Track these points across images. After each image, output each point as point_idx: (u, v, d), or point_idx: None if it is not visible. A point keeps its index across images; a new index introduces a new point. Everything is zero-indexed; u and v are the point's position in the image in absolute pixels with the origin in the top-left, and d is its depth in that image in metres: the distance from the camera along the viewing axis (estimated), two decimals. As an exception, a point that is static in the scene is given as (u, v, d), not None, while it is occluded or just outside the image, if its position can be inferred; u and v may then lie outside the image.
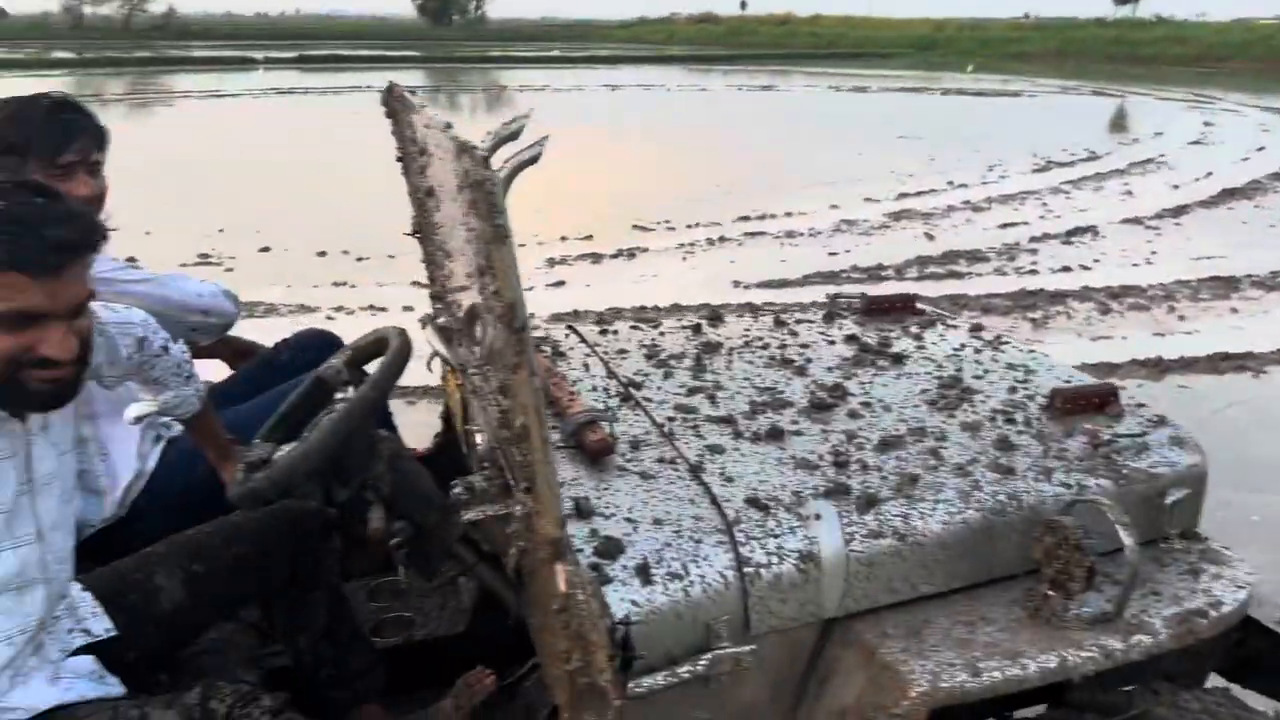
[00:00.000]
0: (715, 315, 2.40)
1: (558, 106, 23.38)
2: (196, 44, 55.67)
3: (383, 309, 6.34)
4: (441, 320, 2.23)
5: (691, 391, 1.90)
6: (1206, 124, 18.10)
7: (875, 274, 7.44)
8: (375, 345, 1.70)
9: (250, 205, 9.87)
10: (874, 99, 25.92)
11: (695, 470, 1.57)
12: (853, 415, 1.78)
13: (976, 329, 2.28)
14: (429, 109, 1.75)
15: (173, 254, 7.71)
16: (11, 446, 1.41)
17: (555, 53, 51.62)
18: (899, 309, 2.41)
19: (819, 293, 6.96)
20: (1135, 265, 7.63)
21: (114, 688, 1.52)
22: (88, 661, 1.53)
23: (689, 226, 9.13)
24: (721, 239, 8.69)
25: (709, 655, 1.33)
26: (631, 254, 8.16)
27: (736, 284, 7.21)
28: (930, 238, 8.61)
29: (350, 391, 1.66)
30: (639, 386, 1.93)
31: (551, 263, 7.81)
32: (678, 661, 1.32)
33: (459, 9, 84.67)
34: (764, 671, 1.41)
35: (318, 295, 6.75)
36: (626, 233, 8.86)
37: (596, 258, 8.02)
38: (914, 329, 2.29)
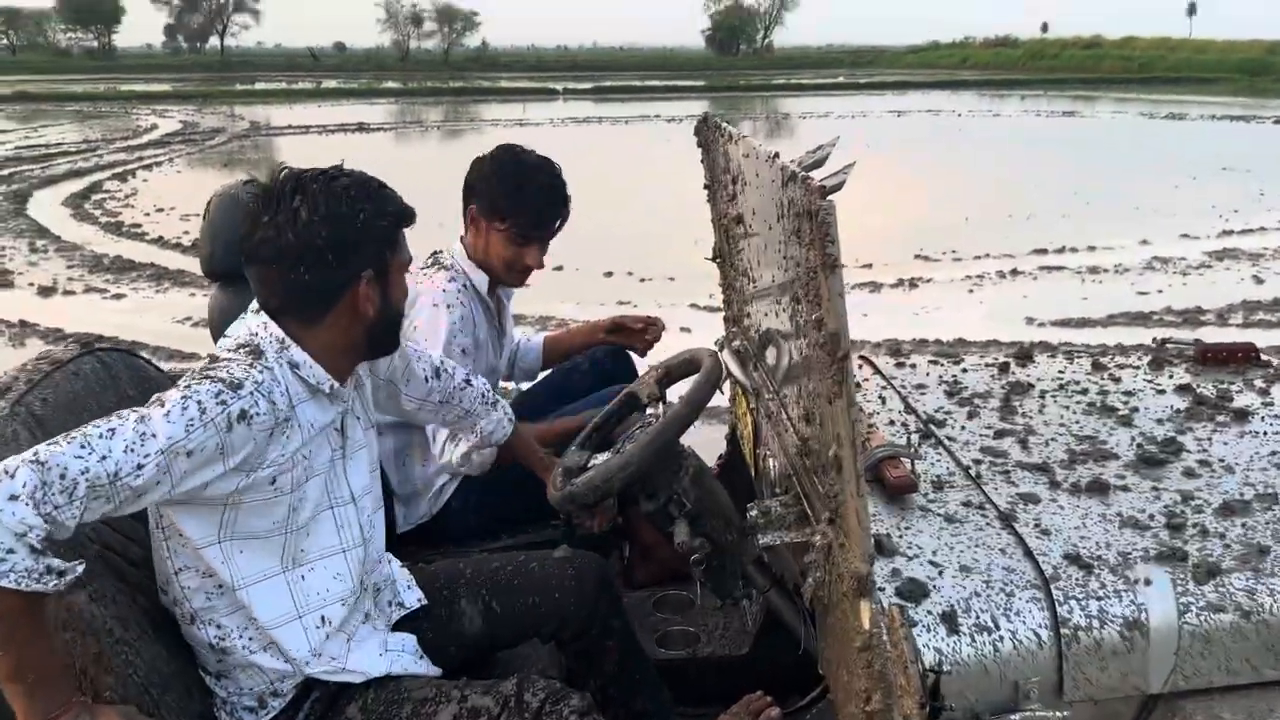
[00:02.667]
0: (1025, 354, 2.26)
1: (840, 132, 23.12)
2: (504, 75, 60.37)
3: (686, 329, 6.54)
4: (736, 344, 2.26)
5: (999, 434, 1.80)
6: None
7: (1193, 318, 6.75)
8: (686, 365, 1.75)
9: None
10: (1193, 127, 23.61)
11: (1006, 518, 1.48)
12: (1189, 474, 1.62)
13: (1346, 388, 2.00)
14: (749, 138, 1.79)
15: (477, 267, 8.41)
16: (331, 415, 1.56)
17: (840, 79, 51.23)
18: (1239, 359, 2.16)
19: (1125, 335, 6.41)
20: None
21: (432, 668, 1.66)
22: (410, 640, 1.68)
23: (977, 258, 8.72)
24: (1014, 272, 8.23)
25: (1017, 716, 1.25)
26: (913, 284, 7.91)
27: (1030, 320, 6.80)
28: (1259, 281, 7.69)
29: (660, 408, 1.71)
30: (940, 424, 1.86)
31: (830, 290, 7.71)
32: (982, 718, 1.25)
33: (746, 39, 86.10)
34: (1075, 742, 1.30)
35: (602, 313, 7.06)
36: (908, 262, 8.60)
37: (875, 287, 7.85)
38: (1258, 382, 2.04)
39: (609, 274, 8.29)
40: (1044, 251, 8.87)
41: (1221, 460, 1.66)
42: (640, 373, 2.15)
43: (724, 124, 2.08)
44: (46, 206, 11.77)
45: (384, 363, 1.74)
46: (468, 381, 1.96)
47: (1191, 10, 75.83)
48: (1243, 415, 1.85)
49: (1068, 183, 13.26)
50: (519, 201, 2.24)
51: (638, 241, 9.15)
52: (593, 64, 74.48)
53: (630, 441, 1.58)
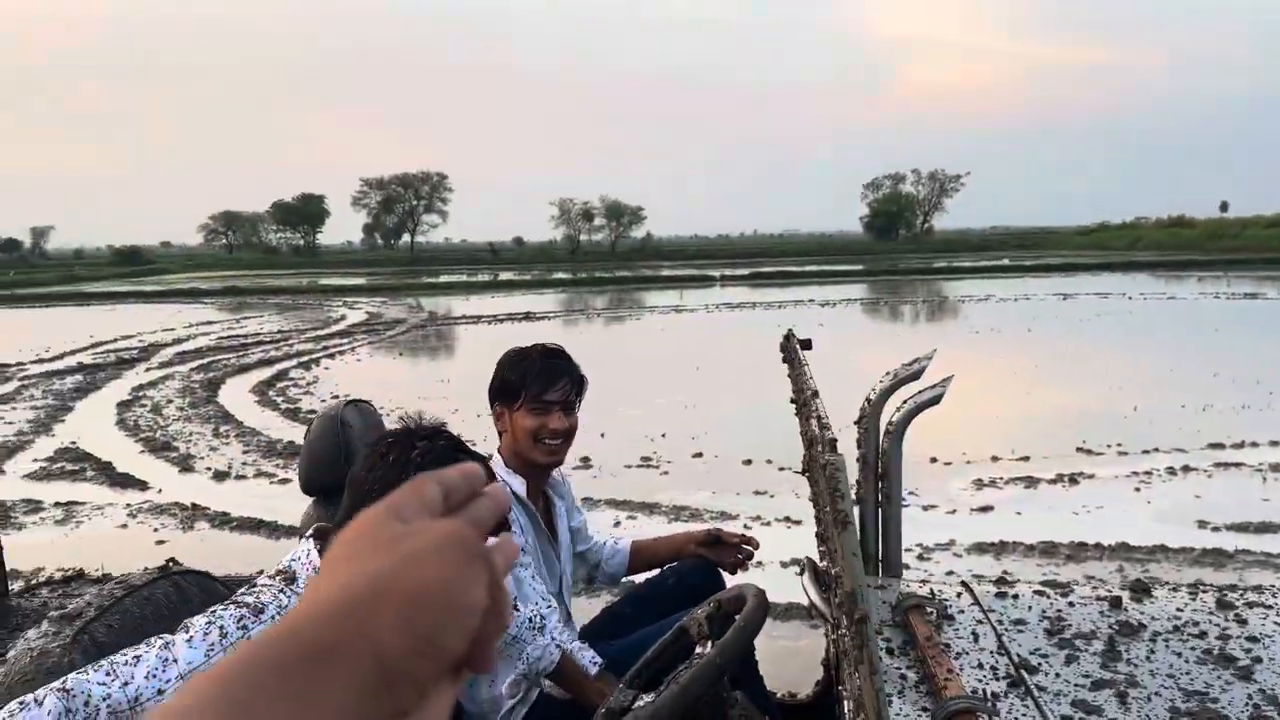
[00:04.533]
0: (1141, 587, 2.08)
1: (1002, 316, 22.70)
2: (666, 264, 62.97)
3: (798, 521, 6.38)
4: (823, 564, 2.18)
5: (1097, 685, 1.64)
6: None
7: (1397, 525, 6.04)
8: (736, 602, 1.70)
9: (691, 413, 10.65)
10: (1400, 307, 21.84)
11: (1086, 793, 1.33)
12: (1313, 747, 1.42)
13: None
14: (809, 365, 1.79)
15: (620, 456, 8.54)
16: None
17: (1004, 261, 50.66)
18: (1399, 601, 1.91)
19: (1314, 543, 5.79)
20: None
21: None
22: None
23: (1145, 452, 8.18)
24: (1185, 468, 7.65)
25: None
26: (1073, 480, 7.46)
27: (1202, 524, 6.25)
28: None
29: (709, 646, 1.66)
30: (1033, 670, 1.71)
31: (980, 485, 7.38)
32: None
33: (905, 224, 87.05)
34: None
35: (739, 503, 7.00)
36: (1069, 455, 8.15)
37: (1032, 482, 7.45)
38: None
39: (748, 461, 8.23)
40: (1220, 446, 8.24)
41: (1356, 731, 1.45)
42: None
43: (799, 346, 2.09)
44: (235, 393, 12.86)
45: None
46: (514, 607, 1.96)
47: (1389, 184, 71.47)
48: (1394, 674, 1.62)
49: (1249, 371, 12.41)
50: (524, 373, 2.36)
51: (780, 428, 9.08)
52: (752, 250, 76.79)
53: (676, 683, 1.53)
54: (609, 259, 73.16)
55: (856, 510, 2.52)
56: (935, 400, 2.46)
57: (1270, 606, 1.94)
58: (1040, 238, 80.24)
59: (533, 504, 2.42)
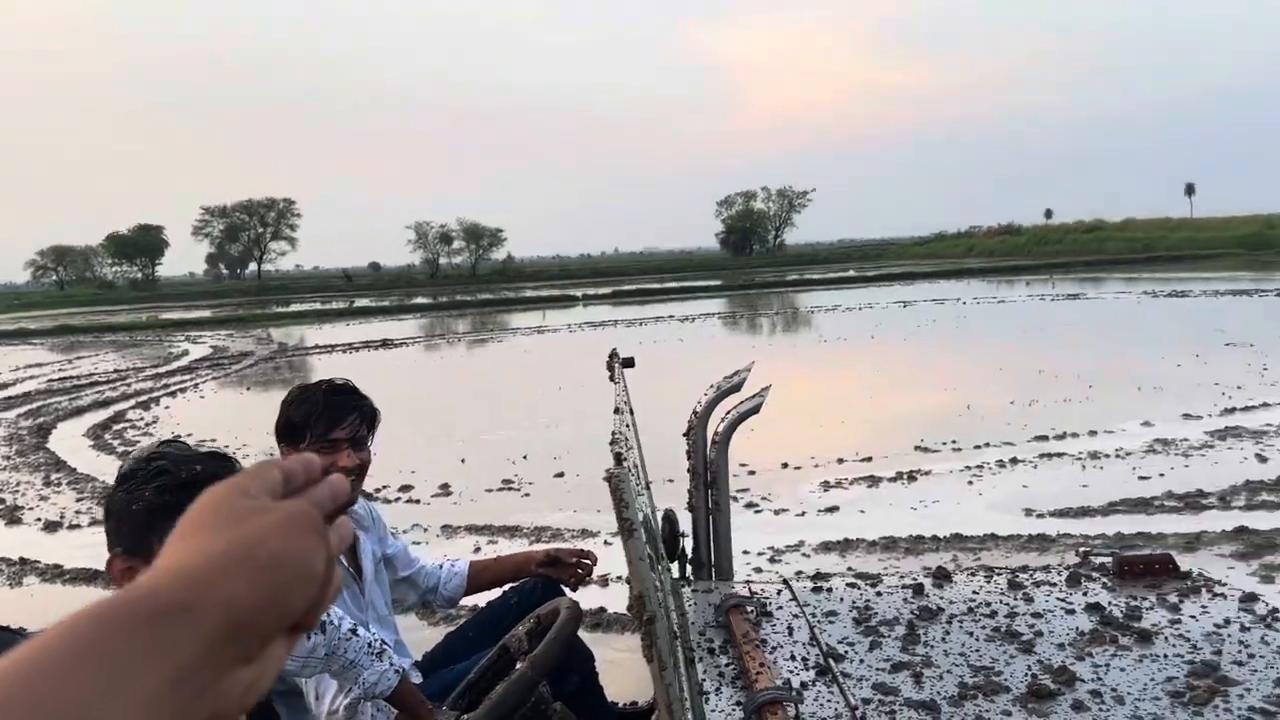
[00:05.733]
0: (943, 574, 2.25)
1: (848, 325, 23.65)
2: (529, 285, 62.78)
3: (656, 536, 6.50)
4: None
5: (896, 667, 1.77)
6: None
7: (1194, 502, 6.63)
8: (552, 615, 1.76)
9: (553, 433, 10.68)
10: (1195, 304, 23.95)
11: (879, 766, 1.45)
12: (1077, 707, 1.58)
13: (1249, 599, 1.96)
14: (622, 386, 1.87)
15: (481, 480, 8.48)
16: None
17: (850, 273, 52.80)
18: (1156, 571, 2.14)
19: (1125, 523, 6.30)
20: None
21: None
22: None
23: (977, 447, 8.70)
24: (1014, 460, 8.17)
25: None
26: (912, 477, 7.87)
27: (1029, 512, 6.70)
28: (1262, 459, 7.59)
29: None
30: (840, 658, 1.83)
31: (826, 486, 7.69)
32: None
33: (758, 239, 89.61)
34: None
35: (599, 520, 7.06)
36: (908, 454, 8.59)
37: (874, 480, 7.81)
38: (1172, 597, 2.01)
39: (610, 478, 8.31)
40: (1045, 438, 8.85)
41: (1114, 690, 1.63)
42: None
43: (618, 366, 2.18)
44: (68, 438, 12.11)
45: None
46: (354, 631, 1.97)
47: (1190, 190, 78.54)
48: (1146, 637, 1.82)
49: (1070, 366, 13.36)
50: (309, 411, 2.30)
51: (645, 443, 9.22)
52: (613, 269, 77.37)
53: (487, 702, 1.57)
54: (470, 282, 72.39)
55: (689, 518, 2.63)
56: (755, 410, 2.60)
57: (1054, 584, 2.14)
58: (882, 249, 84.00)
59: None
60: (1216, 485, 6.91)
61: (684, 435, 2.64)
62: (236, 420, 12.79)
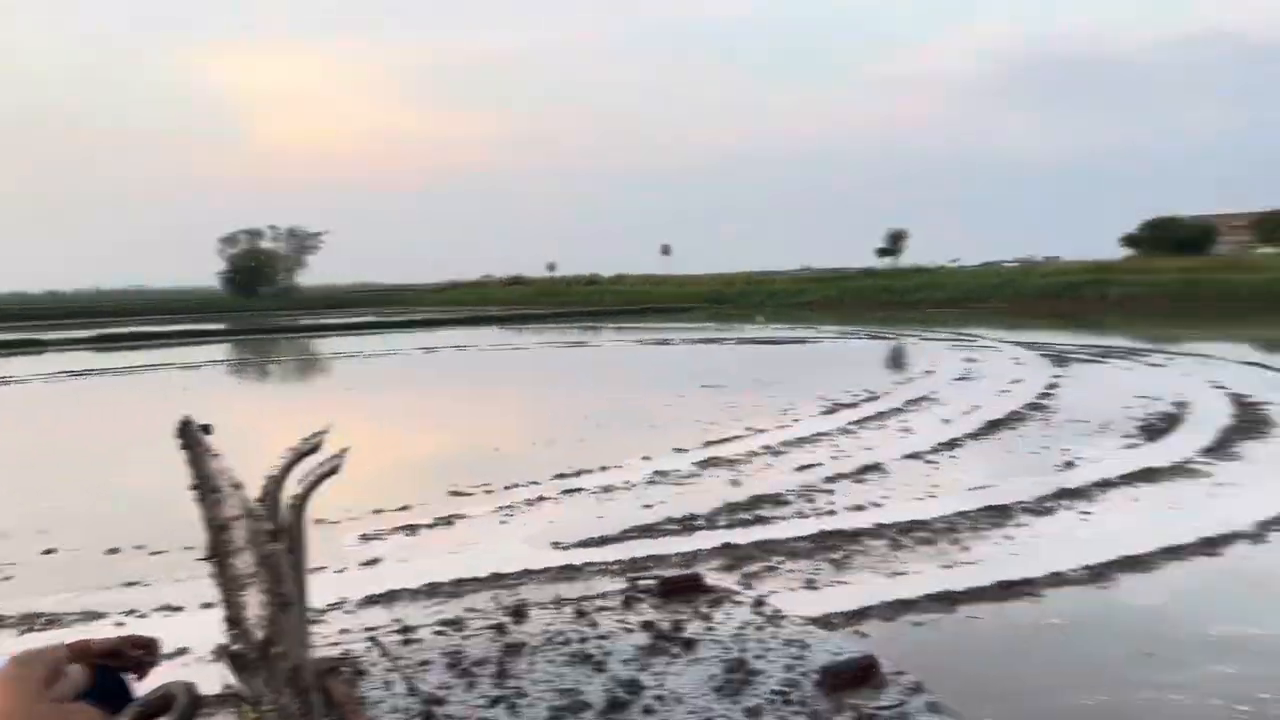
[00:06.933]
0: (519, 611, 2.48)
1: (372, 372, 23.50)
2: (-22, 327, 52.90)
3: (179, 608, 5.98)
4: (236, 648, 2.20)
5: (494, 702, 1.94)
6: (969, 360, 20.23)
7: (688, 524, 7.69)
8: (161, 702, 1.66)
9: (37, 503, 9.24)
10: (677, 351, 27.52)
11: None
12: (647, 711, 1.87)
13: (759, 604, 2.46)
14: (222, 457, 1.83)
15: (-60, 566, 7.07)
16: None
17: (370, 318, 52.31)
18: (690, 589, 2.57)
19: (638, 548, 7.10)
20: (919, 499, 8.24)
21: None
22: None
23: (507, 488, 9.20)
24: (540, 498, 8.79)
25: None
26: (449, 521, 8.11)
27: (556, 545, 7.26)
28: (736, 484, 9.04)
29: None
30: (440, 702, 1.96)
31: (365, 539, 7.64)
32: None
33: (266, 280, 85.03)
34: None
35: (108, 599, 6.30)
36: (444, 499, 8.82)
37: (413, 529, 7.92)
38: (704, 609, 2.44)
39: (114, 550, 7.43)
40: (564, 475, 9.63)
41: (673, 693, 1.95)
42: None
43: (202, 434, 2.10)
44: None
45: None
46: None
47: (665, 251, 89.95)
48: (690, 644, 2.19)
49: (580, 408, 14.68)
50: None
51: (149, 509, 8.34)
52: (93, 310, 68.10)
53: None
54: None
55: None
56: (334, 471, 2.62)
57: (613, 609, 2.47)
58: (400, 295, 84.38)
59: None
60: (704, 508, 8.08)
61: (258, 500, 2.57)
62: None
